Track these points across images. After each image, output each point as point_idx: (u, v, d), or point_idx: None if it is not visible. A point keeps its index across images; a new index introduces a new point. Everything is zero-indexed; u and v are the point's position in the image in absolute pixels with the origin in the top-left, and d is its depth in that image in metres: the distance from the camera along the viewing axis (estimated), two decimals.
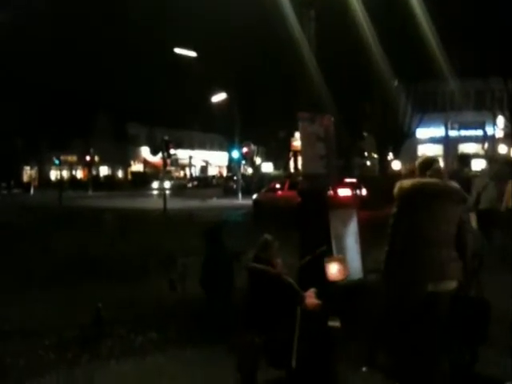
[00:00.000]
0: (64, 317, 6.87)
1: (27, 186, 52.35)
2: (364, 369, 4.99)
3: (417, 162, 4.53)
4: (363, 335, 5.31)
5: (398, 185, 4.27)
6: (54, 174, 63.17)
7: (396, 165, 34.37)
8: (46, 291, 8.36)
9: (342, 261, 5.60)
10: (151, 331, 6.25)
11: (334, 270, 5.31)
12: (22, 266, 10.08)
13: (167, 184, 48.78)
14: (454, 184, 4.36)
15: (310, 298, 4.81)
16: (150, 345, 5.92)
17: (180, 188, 47.54)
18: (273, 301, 4.58)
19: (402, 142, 33.90)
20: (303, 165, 7.02)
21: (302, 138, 6.96)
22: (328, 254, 5.74)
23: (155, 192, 22.71)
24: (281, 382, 4.67)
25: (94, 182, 52.94)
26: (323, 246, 5.69)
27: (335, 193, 15.99)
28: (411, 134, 35.40)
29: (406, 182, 4.26)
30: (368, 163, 55.61)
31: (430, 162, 4.44)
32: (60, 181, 45.28)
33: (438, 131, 43.86)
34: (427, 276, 4.13)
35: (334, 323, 4.85)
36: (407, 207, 4.17)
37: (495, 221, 10.36)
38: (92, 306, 6.35)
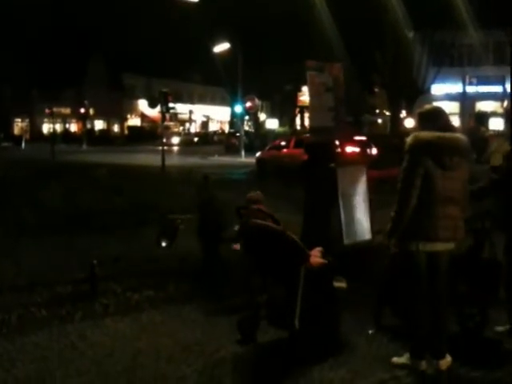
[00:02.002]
0: (57, 272, 6.93)
1: (18, 139, 52.10)
2: (370, 331, 5.03)
3: (419, 111, 4.37)
4: (370, 297, 5.34)
5: (412, 137, 4.14)
6: (46, 127, 62.89)
7: (409, 122, 34.04)
8: (39, 246, 8.42)
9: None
10: (147, 289, 6.30)
11: None
12: (14, 220, 10.11)
13: (175, 140, 48.89)
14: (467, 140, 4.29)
15: (315, 256, 4.81)
16: (146, 303, 5.96)
17: (187, 144, 47.63)
18: (276, 258, 4.59)
19: (416, 98, 33.38)
20: (310, 117, 6.95)
21: (310, 89, 6.86)
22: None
23: (160, 148, 22.55)
24: (282, 342, 4.73)
25: (89, 136, 52.73)
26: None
27: (343, 150, 15.93)
28: (426, 90, 34.87)
29: (424, 134, 4.12)
30: (379, 121, 55.23)
31: (437, 112, 4.30)
32: (53, 134, 44.97)
33: (455, 87, 43.26)
34: (439, 234, 4.12)
35: (340, 284, 4.87)
36: (421, 161, 4.05)
37: None
38: (86, 262, 6.38)
